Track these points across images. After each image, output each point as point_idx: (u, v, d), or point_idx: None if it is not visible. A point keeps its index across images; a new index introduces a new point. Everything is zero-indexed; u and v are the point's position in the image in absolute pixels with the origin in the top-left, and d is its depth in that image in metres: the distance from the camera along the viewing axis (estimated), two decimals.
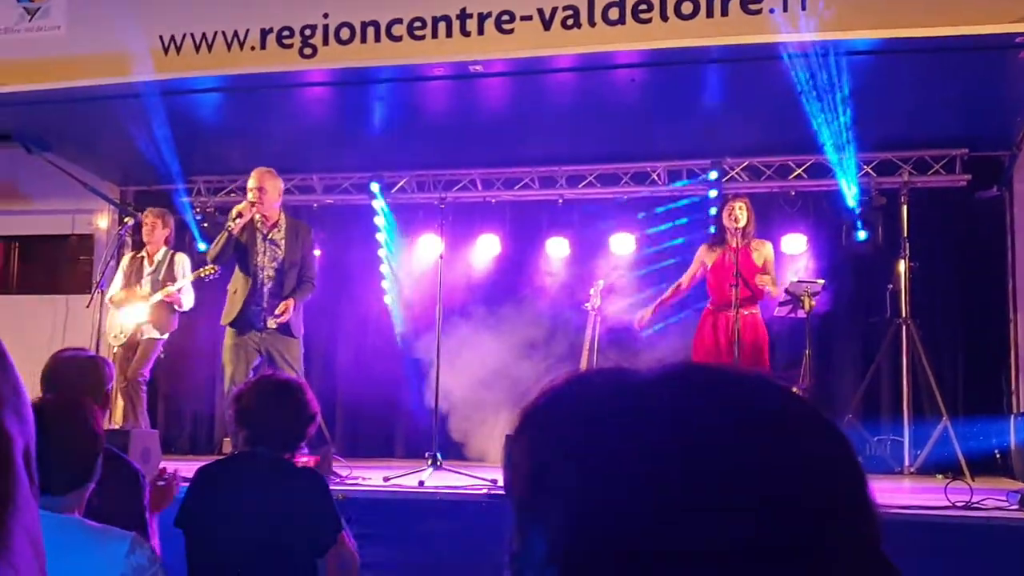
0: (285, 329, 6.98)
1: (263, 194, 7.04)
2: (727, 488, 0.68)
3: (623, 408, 0.74)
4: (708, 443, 0.70)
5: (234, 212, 7.08)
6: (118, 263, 8.28)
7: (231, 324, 7.00)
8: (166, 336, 7.92)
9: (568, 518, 0.71)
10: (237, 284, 7.07)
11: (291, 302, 6.95)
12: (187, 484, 3.69)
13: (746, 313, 7.12)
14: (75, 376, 3.67)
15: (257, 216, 7.07)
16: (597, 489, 0.70)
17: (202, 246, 9.67)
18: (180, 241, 8.96)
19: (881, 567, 0.72)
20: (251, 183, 7.10)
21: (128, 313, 7.82)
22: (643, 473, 0.69)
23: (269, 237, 7.09)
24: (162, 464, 6.59)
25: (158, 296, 7.74)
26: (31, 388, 3.13)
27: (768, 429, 0.72)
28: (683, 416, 0.72)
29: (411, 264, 9.67)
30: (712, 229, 7.97)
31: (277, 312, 6.90)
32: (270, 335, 6.99)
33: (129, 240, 8.56)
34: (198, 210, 9.94)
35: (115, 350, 7.84)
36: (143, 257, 8.07)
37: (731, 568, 0.66)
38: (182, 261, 8.05)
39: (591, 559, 0.69)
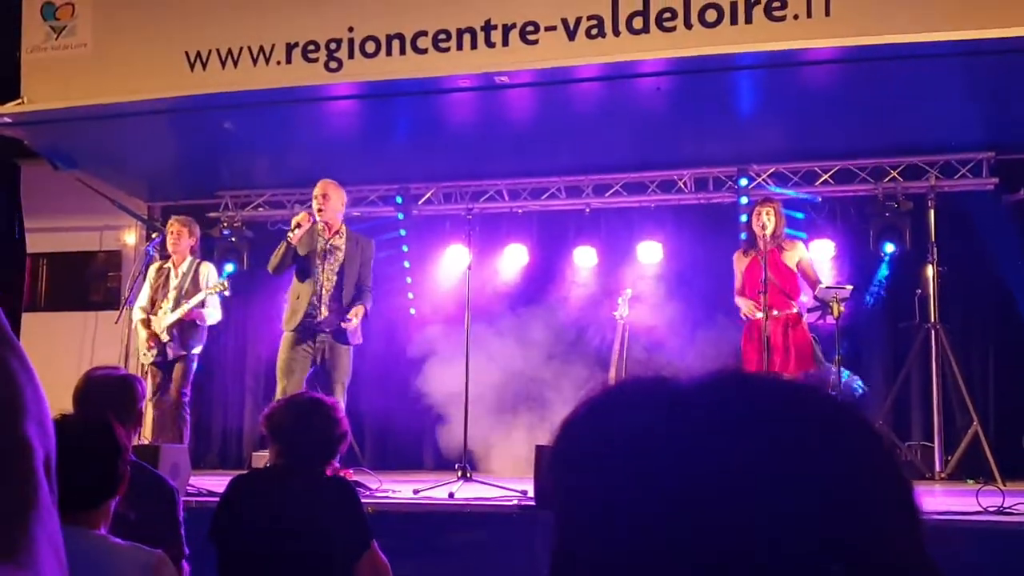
0: (341, 336, 7.05)
1: (327, 201, 7.13)
2: (768, 497, 0.68)
3: (661, 418, 0.73)
4: (747, 451, 0.69)
5: (292, 223, 7.18)
6: (145, 278, 8.16)
7: (293, 330, 7.06)
8: (198, 351, 7.87)
9: (609, 528, 0.71)
10: (299, 291, 7.14)
11: (361, 308, 7.09)
12: (215, 500, 3.70)
13: (776, 314, 7.08)
14: (108, 395, 3.69)
15: (319, 225, 7.15)
16: (638, 499, 0.70)
17: (229, 267, 9.72)
18: (208, 255, 8.98)
19: (929, 573, 0.72)
20: (316, 191, 7.21)
21: (154, 331, 7.78)
22: (682, 483, 0.69)
23: (331, 243, 7.16)
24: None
25: (174, 316, 7.68)
26: (62, 405, 3.15)
27: (810, 437, 0.71)
28: (722, 425, 0.71)
29: (439, 275, 9.68)
30: (743, 236, 7.95)
31: (348, 316, 7.00)
32: (326, 341, 7.06)
33: (157, 255, 8.57)
34: (225, 225, 9.98)
35: (146, 368, 7.80)
36: (169, 268, 7.97)
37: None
38: (207, 272, 7.98)
39: (636, 567, 0.69)
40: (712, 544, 0.67)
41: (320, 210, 7.13)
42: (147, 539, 3.16)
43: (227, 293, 7.82)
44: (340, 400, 6.60)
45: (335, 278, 7.13)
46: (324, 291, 7.09)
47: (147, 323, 7.79)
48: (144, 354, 7.79)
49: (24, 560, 0.71)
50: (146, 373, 7.76)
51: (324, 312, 7.06)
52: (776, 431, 0.71)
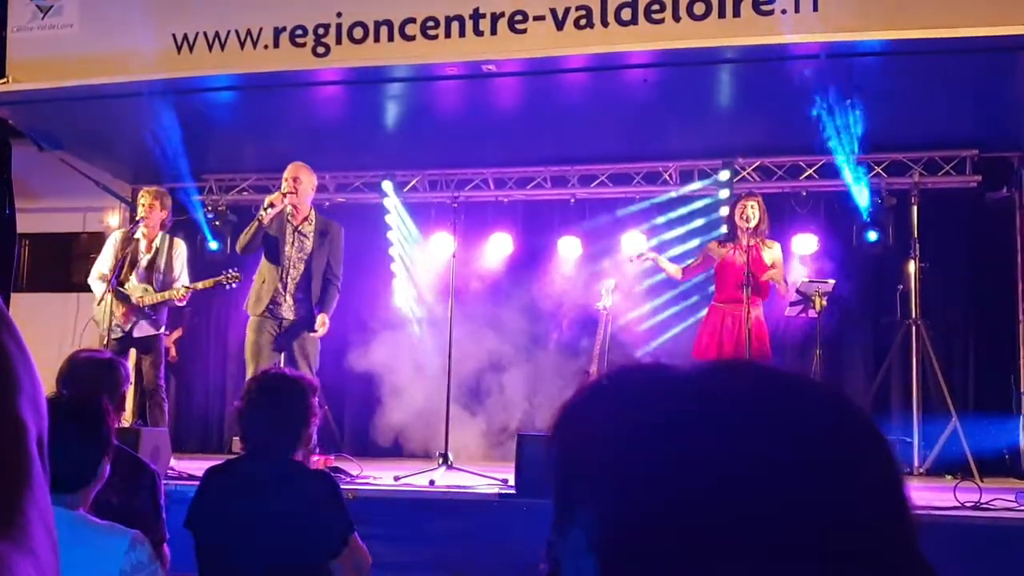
0: (308, 323, 6.96)
1: (298, 184, 7.00)
2: (763, 484, 0.69)
3: (661, 402, 0.75)
4: (745, 439, 0.71)
5: (266, 202, 7.02)
6: (128, 258, 7.50)
7: (257, 314, 6.98)
8: (163, 331, 7.61)
9: (607, 509, 0.72)
10: (265, 274, 7.04)
11: (324, 317, 6.95)
12: (194, 485, 3.68)
13: (753, 312, 7.11)
14: (91, 377, 3.69)
15: (288, 208, 7.05)
16: (636, 481, 0.71)
17: (213, 244, 9.68)
18: (191, 240, 8.92)
19: (920, 567, 0.73)
20: (287, 174, 7.06)
21: (129, 304, 7.38)
22: (679, 466, 0.70)
23: (299, 229, 7.07)
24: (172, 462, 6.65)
25: (168, 295, 7.37)
26: (45, 386, 3.15)
27: (809, 428, 0.73)
28: (720, 413, 0.72)
29: (423, 263, 9.68)
30: (725, 229, 7.97)
31: (316, 327, 6.91)
32: (292, 327, 6.97)
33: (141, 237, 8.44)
34: (209, 209, 9.95)
35: (107, 343, 7.14)
36: (138, 240, 7.47)
37: (770, 564, 0.67)
38: (180, 250, 7.63)
39: (630, 549, 0.70)
40: (704, 526, 0.68)
41: (290, 193, 7.00)
42: (128, 523, 3.17)
43: (238, 284, 7.57)
44: None
45: (302, 266, 7.02)
46: (290, 279, 6.99)
47: (119, 295, 7.32)
48: (112, 328, 7.22)
49: (18, 537, 0.72)
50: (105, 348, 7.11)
51: (288, 301, 6.96)
52: (773, 418, 0.72)
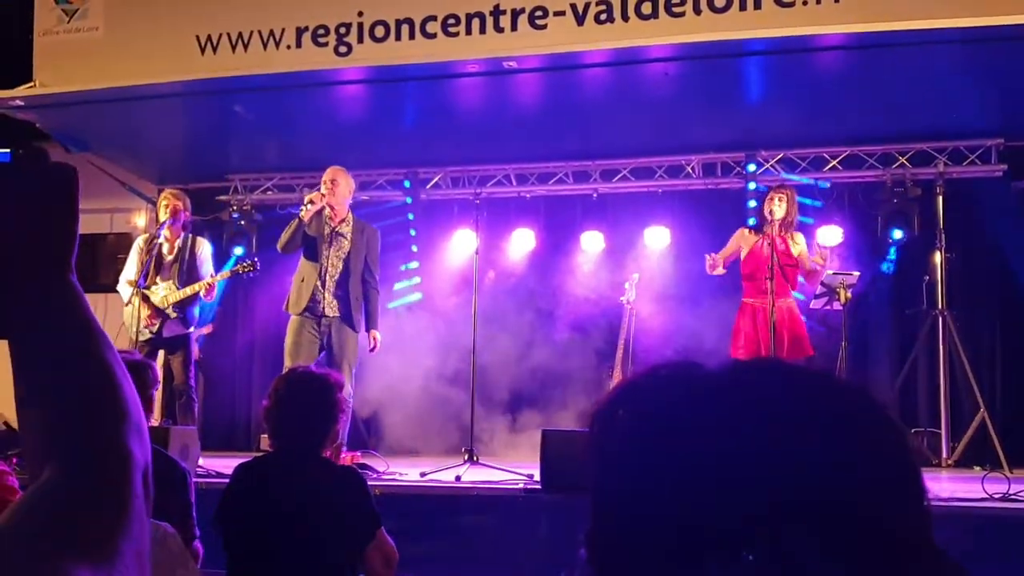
0: (348, 320, 7.05)
1: (335, 187, 7.11)
2: (788, 482, 0.72)
3: (688, 402, 0.77)
4: (769, 438, 0.73)
5: (306, 199, 7.15)
6: (153, 261, 7.67)
7: (298, 314, 7.07)
8: (192, 330, 7.73)
9: (638, 505, 0.75)
10: (304, 273, 7.13)
11: (376, 334, 7.16)
12: (222, 483, 3.71)
13: (782, 303, 7.09)
14: None
15: (326, 210, 7.13)
16: (667, 477, 0.74)
17: (238, 250, 9.74)
18: (217, 240, 8.98)
19: (936, 557, 0.75)
20: (325, 177, 7.18)
21: (156, 306, 7.52)
22: (708, 464, 0.73)
23: (336, 230, 7.15)
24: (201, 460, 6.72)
25: (189, 291, 7.46)
26: None
27: (833, 426, 0.75)
28: (745, 412, 0.75)
29: (447, 260, 9.71)
30: (752, 221, 7.94)
31: (370, 346, 7.12)
32: (332, 325, 7.05)
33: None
34: (235, 209, 10.02)
35: (138, 345, 7.33)
36: (161, 243, 7.62)
37: (791, 557, 0.70)
38: (204, 248, 7.77)
39: (658, 540, 0.73)
40: (738, 519, 0.71)
41: (327, 194, 7.12)
42: (162, 521, 3.21)
43: (256, 272, 7.68)
44: (347, 384, 6.63)
45: (340, 265, 7.11)
46: (329, 277, 7.07)
47: (145, 298, 7.47)
48: (141, 330, 7.40)
49: (107, 567, 0.75)
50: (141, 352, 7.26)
51: (328, 299, 7.05)
52: (797, 416, 0.75)
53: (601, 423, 0.82)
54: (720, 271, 7.32)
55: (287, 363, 6.97)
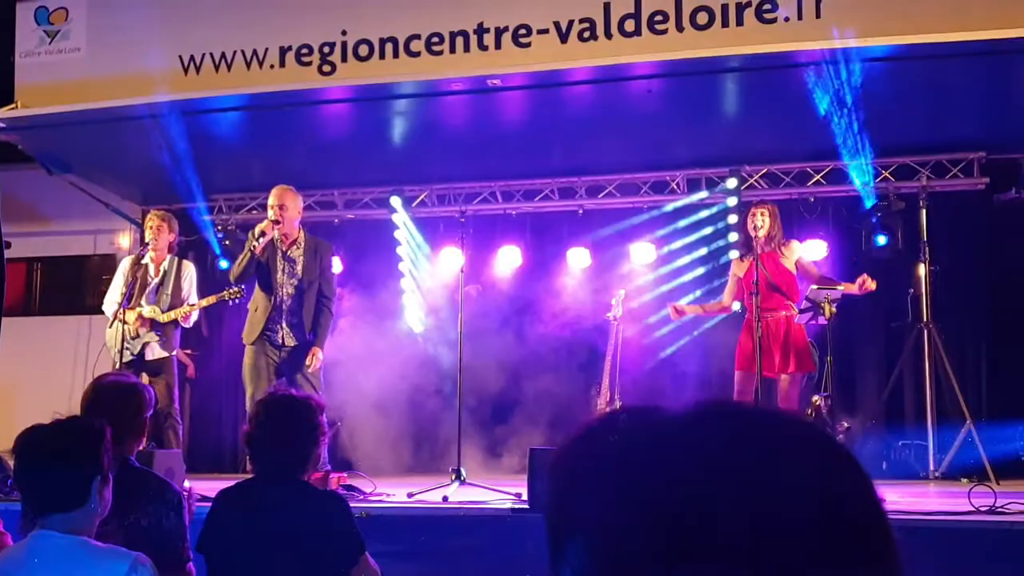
0: (305, 346, 6.91)
1: (284, 211, 6.89)
2: (746, 526, 0.71)
3: (651, 446, 0.78)
4: (728, 482, 0.73)
5: (256, 231, 6.92)
6: (138, 282, 7.56)
7: (252, 343, 6.93)
8: (175, 353, 7.60)
9: (592, 549, 0.75)
10: (258, 302, 6.95)
11: (317, 351, 6.87)
12: (208, 506, 3.69)
13: (781, 315, 7.06)
14: (116, 402, 3.70)
15: (277, 234, 6.94)
16: (623, 519, 0.74)
17: (224, 263, 9.72)
18: (202, 260, 8.96)
19: None
20: (271, 200, 6.94)
21: (134, 329, 7.39)
22: (664, 504, 0.73)
23: (288, 255, 6.98)
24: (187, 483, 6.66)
25: (173, 315, 7.39)
26: (58, 408, 3.19)
27: (788, 466, 0.75)
28: (706, 454, 0.75)
29: (432, 277, 9.70)
30: (734, 237, 7.96)
31: (307, 363, 6.82)
32: (291, 353, 6.93)
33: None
34: (219, 228, 9.99)
35: (118, 366, 7.17)
36: (147, 264, 7.50)
37: None
38: (189, 272, 7.65)
39: None
40: (684, 563, 0.71)
41: (277, 221, 6.86)
42: (157, 544, 3.19)
43: (241, 299, 7.61)
44: None
45: (293, 291, 6.93)
46: (284, 305, 6.90)
47: (126, 320, 7.33)
48: (117, 352, 7.28)
49: None
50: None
51: (284, 328, 6.88)
52: (756, 460, 0.74)
53: (559, 466, 0.83)
54: (686, 318, 7.43)
55: (247, 387, 6.86)
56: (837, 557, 0.72)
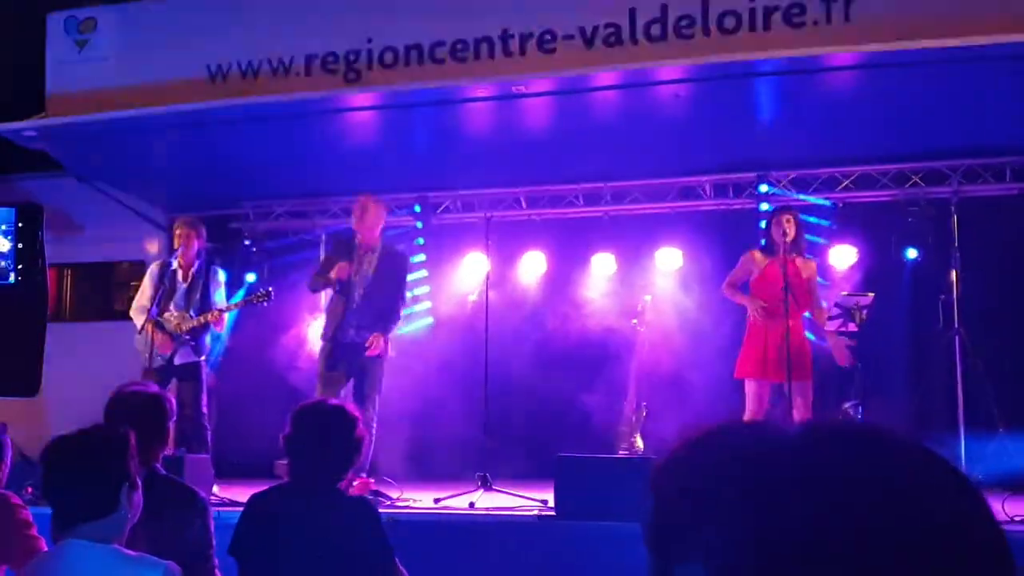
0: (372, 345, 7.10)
1: (365, 217, 7.21)
2: (877, 546, 0.71)
3: (771, 466, 0.77)
4: (848, 508, 0.72)
5: (333, 273, 7.16)
6: (167, 288, 7.66)
7: (327, 340, 7.18)
8: (203, 358, 7.71)
9: (715, 569, 0.74)
10: (334, 303, 7.25)
11: (379, 336, 7.06)
12: (239, 511, 3.71)
13: (794, 326, 7.03)
14: (137, 411, 3.72)
15: (357, 236, 7.25)
16: (748, 543, 0.73)
17: (250, 277, 9.75)
18: (229, 267, 8.99)
19: None
20: (356, 206, 7.32)
21: (170, 333, 7.52)
22: (789, 528, 0.72)
23: (365, 258, 7.23)
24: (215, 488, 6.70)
25: (203, 319, 7.49)
26: (87, 415, 3.21)
27: (914, 491, 0.75)
28: (823, 481, 0.74)
29: (458, 283, 9.69)
30: (763, 242, 7.91)
31: (367, 345, 7.04)
32: (357, 352, 7.08)
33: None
34: (247, 235, 10.03)
35: (150, 373, 7.26)
36: (176, 270, 7.63)
37: None
38: (218, 277, 7.78)
39: None
40: None
41: (358, 224, 7.22)
42: (183, 552, 3.20)
43: (269, 302, 7.72)
44: (370, 412, 6.74)
45: (365, 293, 7.16)
46: (356, 306, 7.14)
47: (158, 325, 7.47)
48: (154, 357, 7.40)
49: None
50: (150, 378, 7.13)
51: (355, 327, 7.10)
52: (878, 489, 0.74)
53: (667, 476, 0.83)
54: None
55: (318, 390, 7.05)
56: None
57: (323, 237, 7.50)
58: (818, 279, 7.43)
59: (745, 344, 7.18)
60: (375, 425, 6.84)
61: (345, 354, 7.13)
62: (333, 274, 7.17)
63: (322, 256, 7.39)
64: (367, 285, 7.17)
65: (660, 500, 0.82)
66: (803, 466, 0.75)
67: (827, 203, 8.92)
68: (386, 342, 7.10)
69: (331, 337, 7.16)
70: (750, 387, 6.99)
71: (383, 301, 7.17)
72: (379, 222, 7.34)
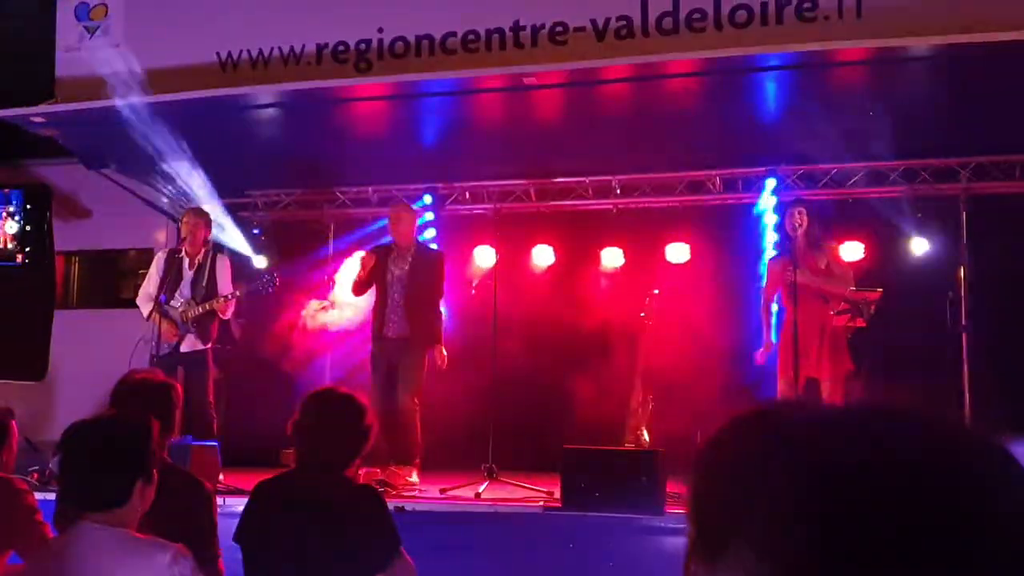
0: (412, 343, 7.39)
1: (399, 224, 7.59)
2: (934, 542, 0.69)
3: (821, 445, 0.75)
4: (914, 493, 0.71)
5: (358, 266, 7.68)
6: (173, 276, 7.74)
7: (374, 338, 7.55)
8: (209, 345, 7.71)
9: (771, 549, 0.73)
10: (377, 301, 7.61)
11: (442, 348, 7.49)
12: (245, 499, 3.71)
13: (817, 315, 7.03)
14: (144, 398, 3.72)
15: (393, 243, 7.63)
16: (800, 527, 0.72)
17: (258, 261, 9.75)
18: (237, 256, 9.00)
19: None
20: (391, 214, 7.75)
21: (175, 321, 7.56)
22: (845, 515, 0.71)
23: (401, 258, 7.56)
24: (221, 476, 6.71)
25: (209, 306, 7.53)
26: (95, 402, 3.23)
27: (976, 486, 0.73)
28: (891, 463, 0.72)
29: (466, 275, 9.68)
30: (771, 238, 7.92)
31: (438, 362, 7.45)
32: (398, 346, 7.38)
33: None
34: (255, 224, 10.03)
35: (157, 360, 7.42)
36: (182, 259, 7.69)
37: None
38: (224, 266, 7.81)
39: None
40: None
41: (393, 231, 7.58)
42: (187, 540, 3.21)
43: (273, 289, 7.80)
44: (408, 402, 7.17)
45: (404, 291, 7.48)
46: (394, 303, 7.48)
47: (165, 313, 7.52)
48: (161, 345, 7.47)
49: None
50: (154, 365, 7.31)
51: (394, 322, 7.44)
52: (944, 473, 0.73)
53: (715, 459, 0.81)
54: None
55: (371, 387, 7.37)
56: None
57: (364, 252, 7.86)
58: (842, 260, 7.40)
59: (781, 340, 7.20)
60: (418, 416, 7.32)
61: (386, 349, 7.43)
62: (363, 272, 7.55)
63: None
64: (404, 283, 7.47)
65: (705, 484, 0.80)
66: (861, 449, 0.74)
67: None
68: (442, 353, 7.44)
69: (376, 336, 7.54)
70: (780, 384, 7.05)
71: (420, 298, 7.45)
72: (412, 227, 7.75)
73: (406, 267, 7.53)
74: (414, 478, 7.13)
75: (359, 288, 7.70)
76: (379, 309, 7.55)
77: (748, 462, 0.78)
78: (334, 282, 9.26)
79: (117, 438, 2.84)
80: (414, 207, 9.42)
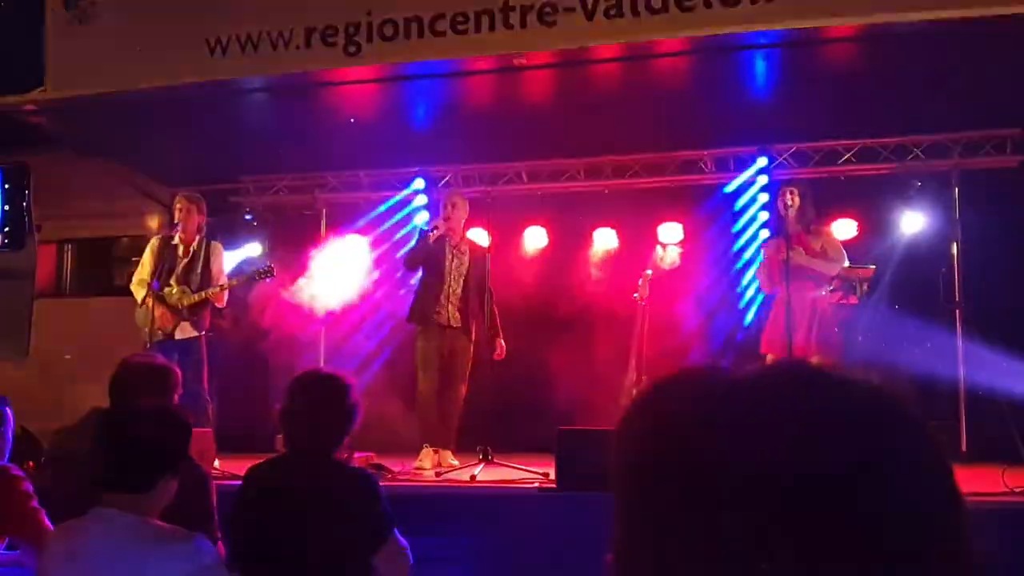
0: (466, 332, 7.44)
1: (454, 211, 7.51)
2: (814, 484, 0.71)
3: (715, 404, 0.79)
4: (793, 439, 0.73)
5: (431, 224, 7.66)
6: (167, 263, 7.69)
7: (423, 324, 7.50)
8: (203, 333, 7.68)
9: (659, 506, 0.77)
10: (428, 285, 7.54)
11: (502, 341, 7.52)
12: (238, 484, 3.71)
13: (808, 296, 7.02)
14: (144, 382, 3.72)
15: (445, 229, 7.56)
16: (684, 477, 0.75)
17: (252, 252, 9.73)
18: (230, 242, 8.98)
19: (974, 561, 0.74)
20: (446, 201, 7.66)
21: (172, 307, 7.53)
22: (726, 463, 0.73)
23: (457, 248, 7.58)
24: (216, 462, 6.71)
25: (204, 295, 7.50)
26: (89, 389, 3.25)
27: (856, 429, 0.74)
28: (768, 414, 0.75)
29: None
30: (763, 216, 7.91)
31: (495, 355, 7.44)
32: (451, 334, 7.43)
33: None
34: (247, 210, 10.02)
35: (148, 347, 7.24)
36: (176, 245, 7.62)
37: (824, 565, 0.69)
38: (218, 252, 7.77)
39: (681, 542, 0.75)
40: (754, 522, 0.71)
41: (447, 218, 7.48)
42: (186, 525, 3.22)
43: (272, 278, 7.80)
44: (456, 391, 7.36)
45: (461, 281, 7.52)
46: (451, 292, 7.49)
47: (159, 299, 7.46)
48: (154, 332, 7.38)
49: None
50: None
51: (450, 311, 7.47)
52: (821, 419, 0.75)
53: (630, 423, 0.85)
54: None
55: (419, 373, 7.44)
56: (907, 519, 0.72)
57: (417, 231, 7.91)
58: (837, 241, 7.37)
59: (770, 316, 7.19)
60: (460, 406, 7.41)
61: (439, 336, 7.44)
62: (426, 249, 7.48)
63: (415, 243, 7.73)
64: (464, 275, 7.54)
65: (626, 442, 0.84)
66: (755, 402, 0.77)
67: None
68: (502, 344, 7.49)
69: (423, 319, 7.49)
70: (768, 361, 7.02)
71: (478, 290, 7.50)
72: (465, 215, 7.68)
73: (465, 259, 7.58)
74: (455, 461, 7.30)
75: (413, 263, 7.67)
76: (431, 295, 7.50)
77: (658, 422, 0.82)
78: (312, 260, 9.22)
79: (163, 430, 2.91)
80: (405, 191, 9.46)
